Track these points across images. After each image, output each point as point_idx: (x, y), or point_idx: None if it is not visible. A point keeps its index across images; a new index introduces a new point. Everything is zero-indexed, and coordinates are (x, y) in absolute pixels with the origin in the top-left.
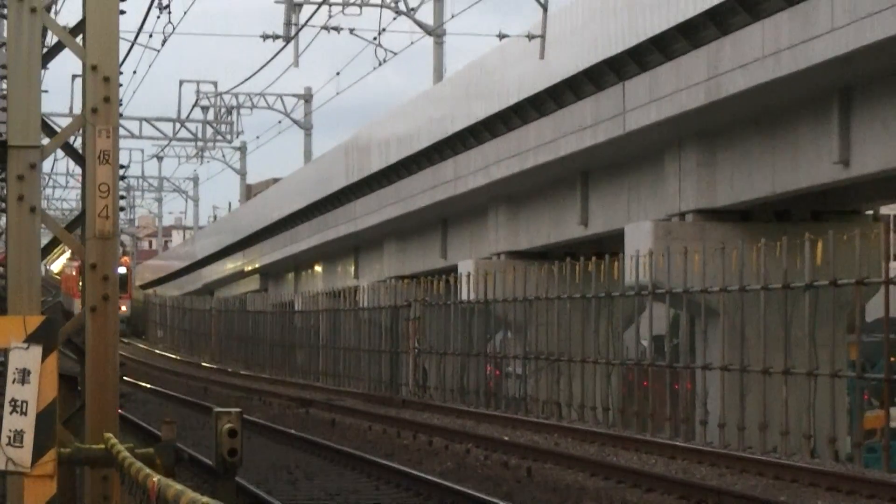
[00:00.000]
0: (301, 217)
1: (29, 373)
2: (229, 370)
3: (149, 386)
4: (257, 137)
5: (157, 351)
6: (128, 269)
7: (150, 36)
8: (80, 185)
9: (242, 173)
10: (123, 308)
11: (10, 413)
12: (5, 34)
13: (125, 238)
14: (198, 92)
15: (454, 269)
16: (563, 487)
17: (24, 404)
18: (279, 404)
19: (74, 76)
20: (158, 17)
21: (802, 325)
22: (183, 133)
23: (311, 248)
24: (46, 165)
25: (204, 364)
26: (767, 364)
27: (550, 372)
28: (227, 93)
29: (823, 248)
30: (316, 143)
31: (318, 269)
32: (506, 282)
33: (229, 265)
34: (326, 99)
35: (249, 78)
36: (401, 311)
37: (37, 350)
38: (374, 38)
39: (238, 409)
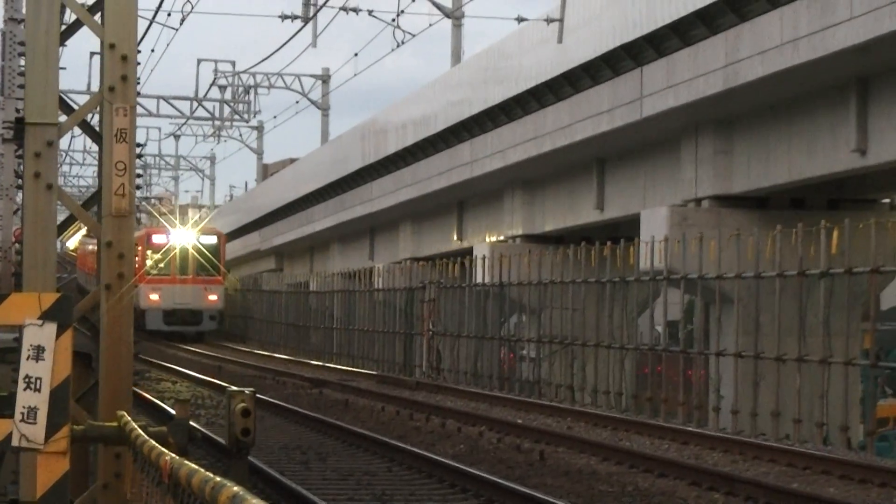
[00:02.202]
0: (317, 198)
1: (43, 349)
2: (243, 349)
3: (164, 364)
4: (274, 117)
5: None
6: (220, 239)
7: (169, 14)
8: (96, 162)
9: (259, 153)
10: (213, 297)
11: (24, 389)
12: (24, 11)
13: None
14: (215, 71)
15: (469, 251)
16: (575, 471)
17: (38, 381)
18: (293, 384)
19: (92, 54)
20: None
21: (817, 312)
22: (200, 112)
23: (327, 229)
24: (63, 143)
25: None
26: (781, 351)
27: (564, 356)
28: (244, 72)
29: (839, 236)
30: (333, 124)
31: (333, 249)
32: (521, 265)
33: (245, 244)
34: (344, 80)
35: (267, 58)
36: (416, 292)
37: (51, 327)
38: (393, 20)
39: (251, 389)
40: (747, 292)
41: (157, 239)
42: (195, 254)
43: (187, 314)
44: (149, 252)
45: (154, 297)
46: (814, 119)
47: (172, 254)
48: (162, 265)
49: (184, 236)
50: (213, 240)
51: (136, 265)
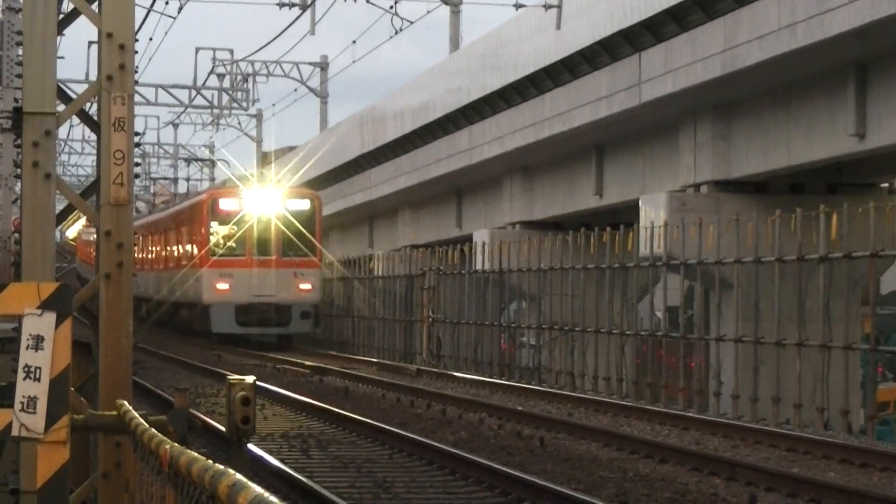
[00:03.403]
0: (315, 185)
1: (42, 339)
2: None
3: (164, 353)
4: (273, 105)
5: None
6: (315, 205)
7: (167, 3)
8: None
9: (258, 141)
10: (306, 286)
11: (24, 379)
12: (21, 1)
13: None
14: (214, 59)
15: (469, 238)
16: (575, 458)
17: (38, 370)
18: (293, 372)
19: (90, 43)
20: None
21: (817, 297)
22: (199, 100)
23: (326, 216)
24: (62, 132)
25: None
26: (781, 336)
27: (564, 342)
28: (243, 60)
29: (838, 220)
30: (332, 112)
31: (332, 237)
32: (520, 252)
33: None
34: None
35: (266, 46)
36: (415, 280)
37: (50, 316)
38: (391, 7)
39: (252, 378)
40: (747, 278)
41: (225, 204)
42: (281, 225)
43: (270, 311)
44: (214, 224)
45: (222, 286)
46: (812, 104)
47: (248, 225)
48: (233, 242)
49: (265, 200)
50: (305, 205)
51: (198, 241)
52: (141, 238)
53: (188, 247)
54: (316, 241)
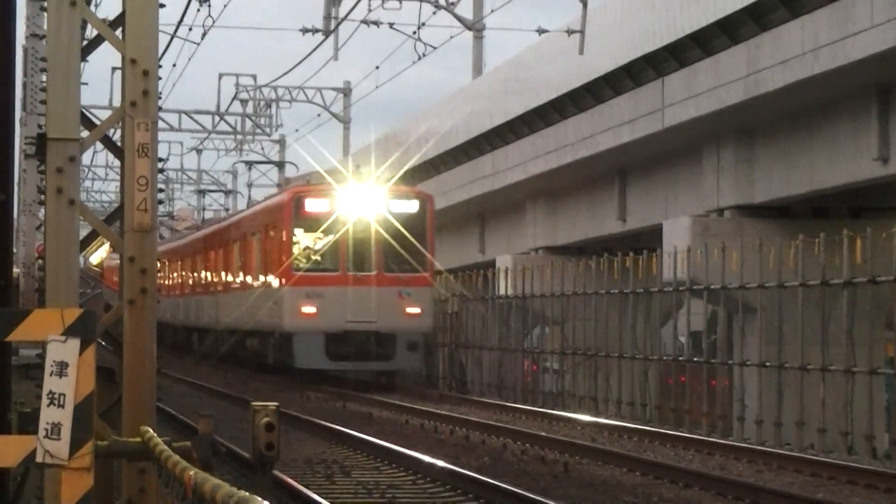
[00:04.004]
0: None
1: (67, 365)
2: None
3: (187, 379)
4: (296, 130)
5: None
6: (426, 206)
7: (190, 29)
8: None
9: (281, 166)
10: (414, 310)
11: (48, 406)
12: (45, 27)
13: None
14: (237, 85)
15: (492, 263)
16: (599, 483)
17: (62, 397)
18: (316, 398)
19: (114, 69)
20: (198, 11)
21: (840, 322)
22: (222, 126)
23: None
24: (86, 158)
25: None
26: (805, 361)
27: (588, 367)
28: (266, 86)
29: (862, 245)
30: (354, 137)
31: None
32: (543, 277)
33: None
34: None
35: (289, 71)
36: (438, 305)
37: (74, 343)
38: (414, 33)
39: (275, 404)
40: (770, 302)
41: (313, 206)
42: (383, 231)
43: (369, 342)
44: (298, 231)
45: (309, 310)
46: (835, 128)
47: (343, 231)
48: (323, 253)
49: (364, 200)
50: (413, 206)
51: (277, 254)
52: (191, 257)
53: (262, 261)
54: (428, 251)
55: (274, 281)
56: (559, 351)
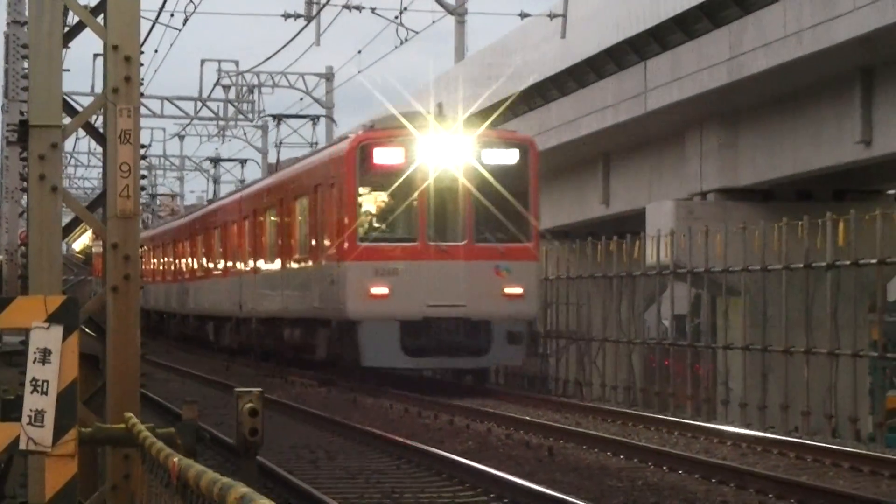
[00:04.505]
0: None
1: (50, 352)
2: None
3: (171, 365)
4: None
5: None
6: (528, 156)
7: (172, 15)
8: (101, 164)
9: (264, 152)
10: (515, 290)
11: (31, 393)
12: (27, 14)
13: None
14: (219, 71)
15: None
16: (584, 467)
17: (45, 384)
18: (301, 383)
19: (96, 55)
20: None
21: (824, 304)
22: (204, 112)
23: None
24: (68, 144)
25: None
26: (789, 344)
27: (572, 351)
28: (248, 72)
29: (846, 228)
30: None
31: None
32: None
33: None
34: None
35: (271, 57)
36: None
37: (58, 330)
38: (396, 17)
39: (259, 389)
40: (754, 285)
41: (383, 156)
42: (472, 188)
43: (458, 331)
44: (363, 189)
45: (379, 290)
46: (819, 111)
47: (422, 189)
48: (394, 218)
49: (449, 149)
50: (512, 156)
51: (337, 218)
52: (205, 234)
53: (311, 232)
54: (531, 213)
55: (329, 255)
56: (543, 335)
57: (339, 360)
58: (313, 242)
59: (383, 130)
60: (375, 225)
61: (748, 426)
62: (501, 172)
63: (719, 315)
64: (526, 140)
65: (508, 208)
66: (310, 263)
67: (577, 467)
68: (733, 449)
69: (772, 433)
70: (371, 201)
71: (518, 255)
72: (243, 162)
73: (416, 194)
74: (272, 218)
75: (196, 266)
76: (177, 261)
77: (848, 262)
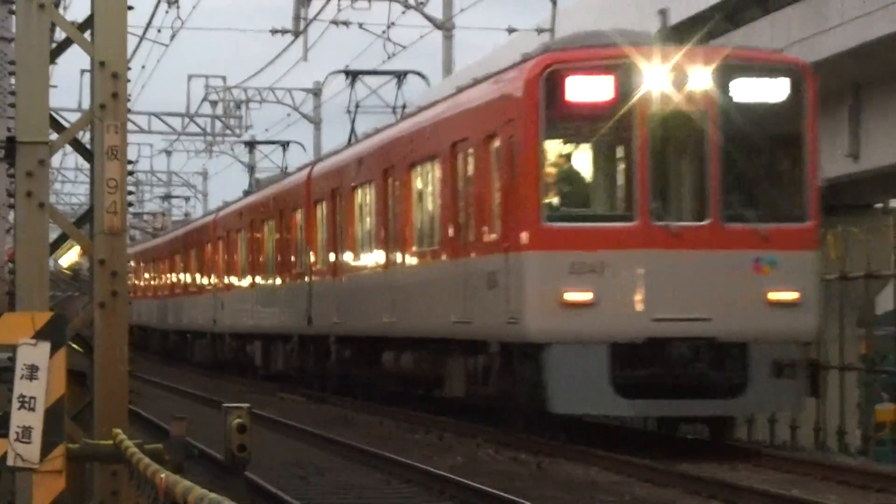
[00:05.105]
0: None
1: (37, 369)
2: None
3: (160, 382)
4: (266, 131)
5: None
6: (808, 110)
7: (159, 31)
8: (88, 180)
9: (251, 167)
10: (787, 295)
11: (19, 409)
12: (14, 30)
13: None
14: (206, 86)
15: None
16: (574, 482)
17: (33, 400)
18: (290, 399)
19: (83, 71)
20: (167, 12)
21: None
22: (192, 128)
23: None
24: (55, 160)
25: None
26: None
27: None
28: (235, 87)
29: (834, 241)
30: (325, 137)
31: None
32: None
33: None
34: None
35: (258, 72)
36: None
37: (45, 346)
38: (383, 32)
39: (247, 405)
40: None
41: (581, 89)
42: (719, 139)
43: (700, 359)
44: (550, 142)
45: (577, 296)
46: None
47: (642, 139)
48: (599, 186)
49: (679, 76)
50: (780, 89)
51: (505, 184)
52: (248, 230)
53: (450, 209)
54: (809, 177)
55: (488, 244)
56: None
57: (510, 403)
58: (451, 229)
59: (580, 50)
60: (570, 195)
61: (737, 440)
62: (764, 114)
63: None
64: (798, 65)
65: (775, 169)
66: (443, 259)
67: (567, 482)
68: (723, 463)
69: (761, 447)
70: (563, 160)
71: (789, 242)
72: (285, 144)
73: (634, 148)
74: (365, 199)
75: (230, 273)
76: (203, 271)
77: (836, 276)
